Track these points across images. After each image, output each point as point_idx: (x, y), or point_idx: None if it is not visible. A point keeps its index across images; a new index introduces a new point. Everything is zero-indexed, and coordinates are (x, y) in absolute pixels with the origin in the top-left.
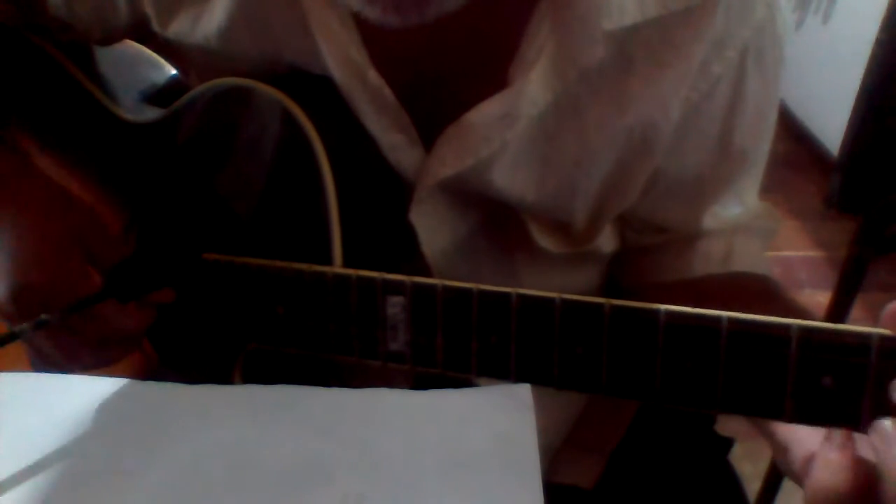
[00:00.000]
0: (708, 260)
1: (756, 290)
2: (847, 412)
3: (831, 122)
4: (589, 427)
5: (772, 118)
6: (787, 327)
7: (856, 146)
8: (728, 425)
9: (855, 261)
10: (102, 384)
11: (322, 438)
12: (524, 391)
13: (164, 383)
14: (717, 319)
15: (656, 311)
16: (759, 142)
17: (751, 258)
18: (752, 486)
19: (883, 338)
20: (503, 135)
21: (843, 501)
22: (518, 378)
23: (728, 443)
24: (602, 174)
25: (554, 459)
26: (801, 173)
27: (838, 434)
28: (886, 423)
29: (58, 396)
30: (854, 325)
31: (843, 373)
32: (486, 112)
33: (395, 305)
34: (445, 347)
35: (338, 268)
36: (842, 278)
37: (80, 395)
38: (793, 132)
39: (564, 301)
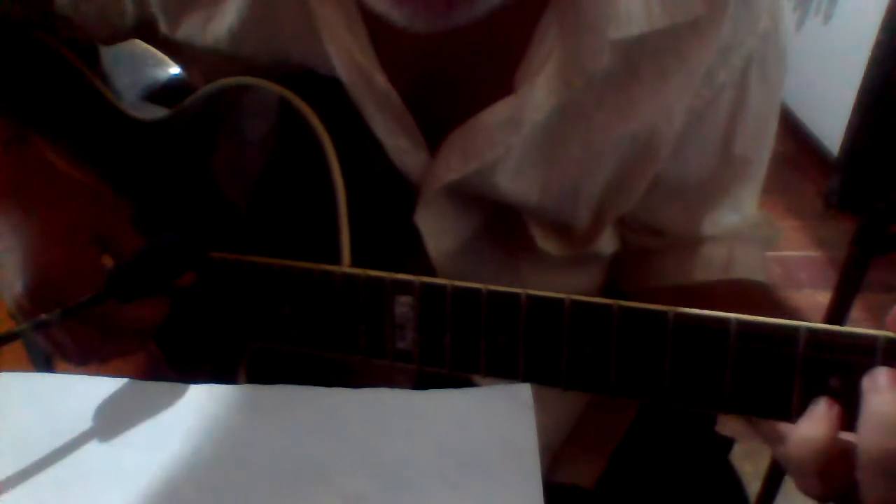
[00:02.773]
0: (709, 266)
1: (757, 297)
2: (854, 414)
3: (831, 122)
4: (590, 427)
5: (773, 126)
6: (795, 329)
7: (856, 146)
8: (728, 425)
9: (855, 261)
10: (102, 384)
11: (323, 439)
12: (524, 391)
13: (165, 383)
14: (726, 321)
15: (665, 313)
16: (760, 150)
17: (751, 265)
18: (752, 486)
19: (889, 340)
20: (508, 139)
21: (820, 451)
22: (526, 377)
23: (728, 443)
24: (605, 178)
25: (554, 459)
26: (801, 173)
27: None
28: (880, 369)
29: (58, 396)
30: (857, 327)
31: (850, 374)
32: (491, 117)
33: (403, 305)
34: (453, 347)
35: (346, 267)
36: (842, 278)
37: (80, 395)
38: (793, 132)
39: (573, 302)
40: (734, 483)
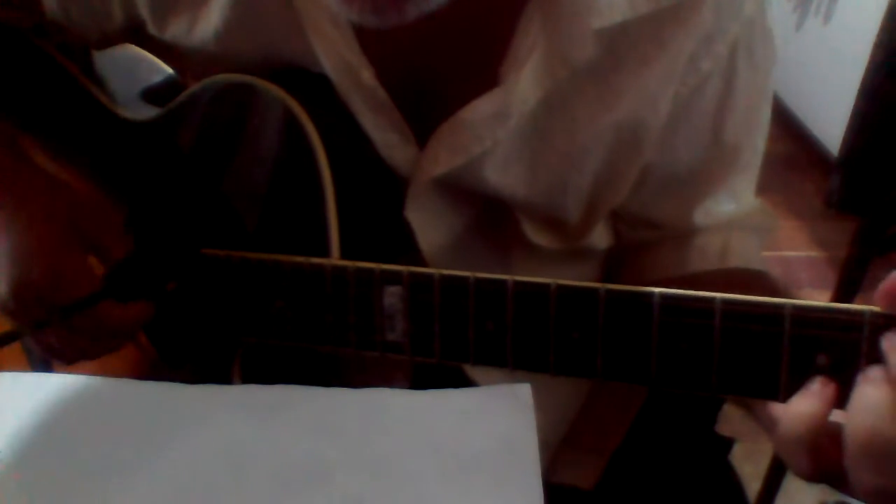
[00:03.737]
0: (704, 255)
1: (754, 285)
2: (842, 390)
3: (831, 122)
4: (589, 427)
5: (764, 114)
6: (780, 306)
7: (856, 146)
8: (728, 425)
9: (855, 261)
10: (102, 384)
11: (321, 439)
12: (524, 391)
13: (164, 383)
14: (711, 300)
15: (651, 294)
16: (752, 137)
17: (747, 254)
18: (752, 487)
19: (874, 314)
20: (495, 133)
21: (811, 427)
22: (515, 364)
23: (728, 443)
24: (593, 170)
25: (554, 460)
26: (801, 173)
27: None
28: (874, 367)
29: (58, 396)
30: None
31: (837, 351)
32: (477, 111)
33: (392, 295)
34: (442, 336)
35: (336, 259)
36: (842, 278)
37: (80, 395)
38: (793, 132)
39: (560, 287)
40: (734, 483)
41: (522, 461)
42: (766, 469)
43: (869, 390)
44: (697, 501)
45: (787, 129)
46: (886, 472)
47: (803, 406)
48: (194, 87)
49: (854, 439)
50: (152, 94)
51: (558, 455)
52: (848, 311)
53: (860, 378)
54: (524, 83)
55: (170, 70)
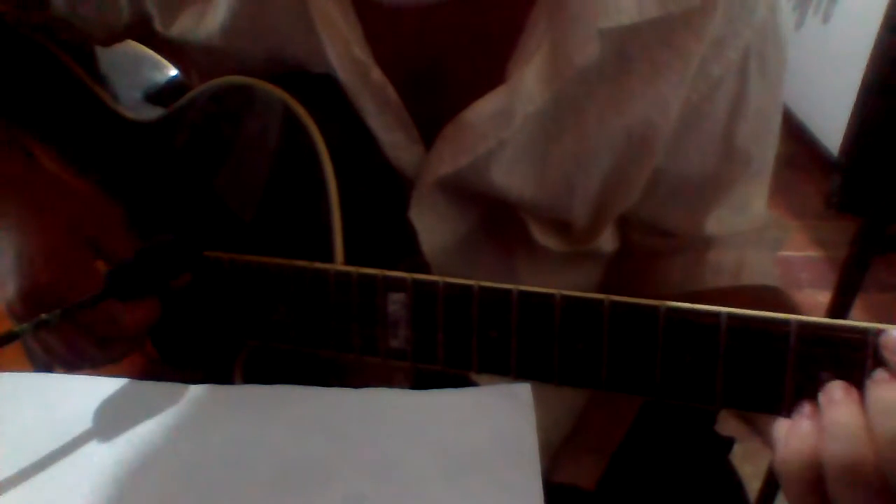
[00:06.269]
0: (719, 272)
1: (770, 302)
2: None
3: (831, 122)
4: (590, 427)
5: (776, 122)
6: (785, 322)
7: (856, 146)
8: (728, 425)
9: (855, 261)
10: (102, 384)
11: (322, 438)
12: (524, 391)
13: (164, 383)
14: (716, 315)
15: (656, 307)
16: (763, 145)
17: (762, 270)
18: (752, 486)
19: (880, 332)
20: (500, 132)
21: (808, 463)
22: (519, 374)
23: (728, 443)
24: (601, 173)
25: (555, 459)
26: (801, 173)
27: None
28: (834, 383)
29: (58, 396)
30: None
31: (842, 367)
32: (482, 109)
33: (395, 302)
34: (446, 344)
35: (339, 265)
36: (842, 278)
37: (80, 395)
38: (793, 132)
39: (564, 297)
40: (734, 483)
41: (522, 461)
42: (766, 469)
43: (885, 393)
44: (697, 501)
45: (787, 129)
46: None
47: (791, 453)
48: (198, 89)
49: (833, 468)
50: (156, 95)
51: (559, 454)
52: (853, 329)
53: (823, 401)
54: (529, 82)
55: (174, 70)
